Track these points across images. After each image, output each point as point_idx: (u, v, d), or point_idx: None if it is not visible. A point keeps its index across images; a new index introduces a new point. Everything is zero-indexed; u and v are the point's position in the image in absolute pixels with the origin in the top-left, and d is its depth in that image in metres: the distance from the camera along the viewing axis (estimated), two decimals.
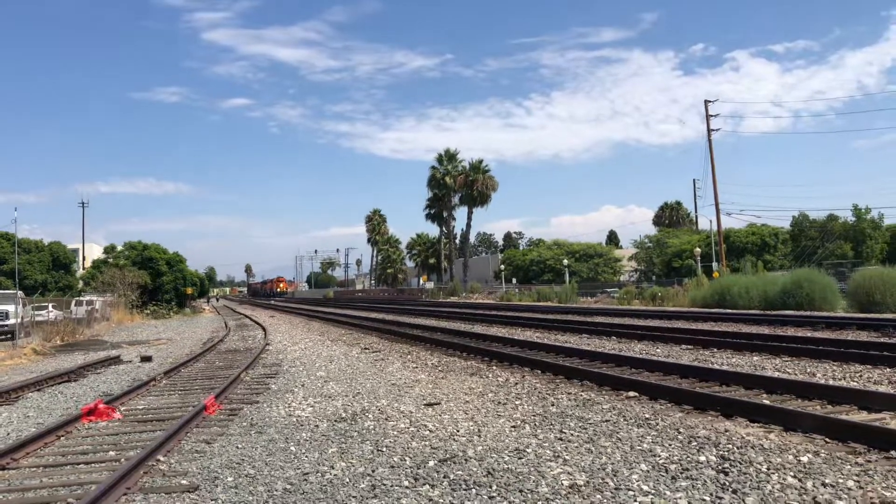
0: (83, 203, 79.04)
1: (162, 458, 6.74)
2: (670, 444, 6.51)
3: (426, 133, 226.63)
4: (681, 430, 7.05)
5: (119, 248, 59.55)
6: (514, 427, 7.69)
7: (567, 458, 6.24)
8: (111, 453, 7.19)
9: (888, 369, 10.18)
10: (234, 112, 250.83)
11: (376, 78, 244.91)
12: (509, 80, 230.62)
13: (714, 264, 46.68)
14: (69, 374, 14.56)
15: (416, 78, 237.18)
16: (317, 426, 8.26)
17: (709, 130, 47.75)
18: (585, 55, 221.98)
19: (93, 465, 6.73)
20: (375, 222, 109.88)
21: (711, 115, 48.03)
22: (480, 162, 77.42)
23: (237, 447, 7.28)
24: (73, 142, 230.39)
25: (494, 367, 12.89)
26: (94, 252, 72.08)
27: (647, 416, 7.83)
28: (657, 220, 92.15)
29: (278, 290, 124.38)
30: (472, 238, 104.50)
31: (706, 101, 48.20)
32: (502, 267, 74.18)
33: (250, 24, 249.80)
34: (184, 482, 5.95)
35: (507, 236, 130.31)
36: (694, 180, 69.26)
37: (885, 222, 63.46)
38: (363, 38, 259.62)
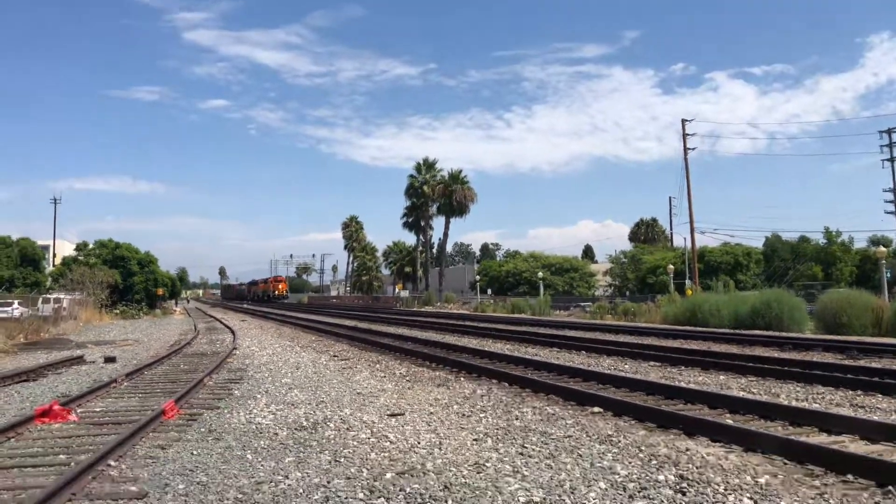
0: (55, 199, 77.84)
1: (113, 463, 6.57)
2: (630, 462, 6.47)
3: (407, 141, 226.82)
4: (642, 447, 7.02)
5: (90, 245, 58.72)
6: (476, 440, 7.61)
7: (526, 473, 6.17)
8: (62, 457, 6.99)
9: (850, 392, 10.26)
10: (213, 113, 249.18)
11: (358, 84, 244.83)
12: (491, 91, 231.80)
13: (687, 282, 47.09)
14: (28, 374, 14.24)
15: (398, 86, 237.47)
16: (276, 434, 8.12)
17: (685, 149, 48.23)
18: (567, 70, 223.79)
19: (41, 468, 6.53)
20: (353, 229, 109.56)
21: (689, 134, 48.53)
22: (459, 172, 77.56)
23: (192, 453, 7.12)
24: (48, 138, 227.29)
25: (462, 379, 12.81)
26: (66, 249, 70.97)
27: (609, 432, 7.79)
28: (633, 236, 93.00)
29: (276, 292, 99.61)
30: (449, 248, 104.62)
31: (683, 120, 48.73)
32: (478, 278, 74.23)
33: (231, 25, 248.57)
34: (132, 489, 5.79)
35: (485, 247, 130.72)
36: (670, 198, 69.75)
37: (855, 245, 64.59)
38: (346, 43, 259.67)
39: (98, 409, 10.00)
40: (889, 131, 58.16)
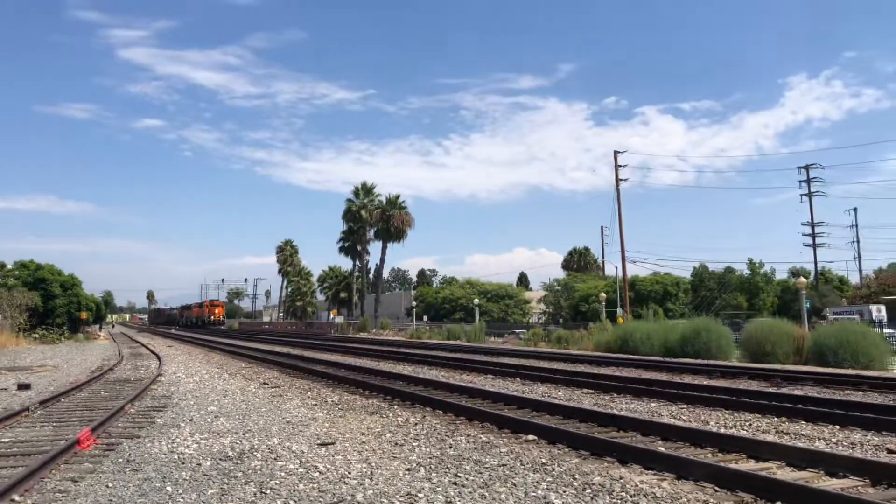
0: None
1: (17, 498, 6.13)
2: (565, 491, 6.39)
3: (345, 165, 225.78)
4: (576, 476, 6.96)
5: (9, 266, 56.12)
6: (408, 470, 7.42)
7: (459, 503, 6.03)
8: None
9: (775, 419, 10.49)
10: (146, 133, 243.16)
11: (297, 107, 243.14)
12: (431, 118, 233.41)
13: (619, 310, 47.91)
14: None
15: (338, 110, 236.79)
16: (199, 464, 7.74)
17: (617, 180, 49.38)
18: (504, 100, 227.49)
19: None
20: (287, 253, 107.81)
21: (620, 166, 49.75)
22: (397, 197, 77.48)
23: (107, 486, 6.71)
24: None
25: (396, 407, 12.58)
26: None
27: (544, 460, 7.72)
28: (566, 265, 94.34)
29: (212, 317, 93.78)
30: (386, 273, 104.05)
31: (615, 152, 49.94)
32: (415, 304, 73.91)
33: (168, 44, 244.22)
34: None
35: (422, 273, 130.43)
36: (602, 227, 71.40)
37: (777, 276, 67.11)
38: (285, 66, 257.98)
39: (6, 440, 9.38)
40: (807, 168, 61.10)
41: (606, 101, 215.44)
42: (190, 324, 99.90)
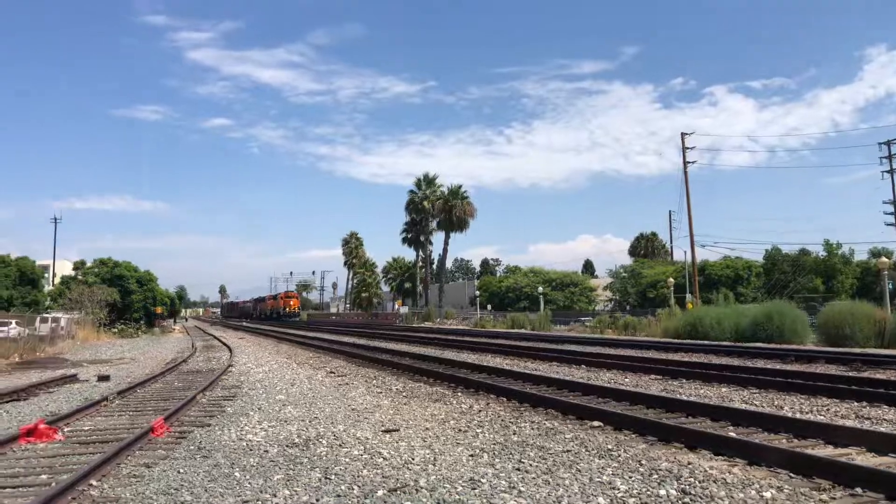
0: (55, 219, 77.84)
1: (95, 483, 6.35)
2: (631, 477, 6.25)
3: (407, 158, 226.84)
4: (643, 461, 6.80)
5: (89, 264, 58.54)
6: (472, 456, 7.39)
7: (522, 489, 5.95)
8: (43, 477, 6.77)
9: (855, 403, 10.04)
10: (215, 132, 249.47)
11: (358, 102, 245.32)
12: (491, 108, 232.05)
13: (688, 295, 46.85)
14: (19, 393, 14.00)
15: (398, 103, 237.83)
16: (266, 451, 7.89)
17: (685, 163, 48.18)
18: (566, 86, 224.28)
19: (20, 489, 6.31)
20: (352, 245, 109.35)
21: (688, 148, 48.51)
22: (459, 187, 77.54)
23: (178, 472, 6.90)
24: (49, 157, 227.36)
25: (460, 394, 12.58)
26: (66, 269, 70.76)
27: (609, 446, 7.57)
28: (633, 251, 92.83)
29: (287, 309, 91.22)
30: (449, 264, 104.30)
31: (682, 134, 48.72)
32: (478, 293, 73.95)
33: (233, 45, 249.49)
34: None
35: (485, 263, 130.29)
36: (670, 212, 69.76)
37: (856, 258, 64.38)
38: (346, 62, 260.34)
39: (86, 428, 9.76)
40: (888, 143, 58.24)
41: (673, 82, 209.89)
42: (265, 316, 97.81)
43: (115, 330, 50.64)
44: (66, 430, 9.45)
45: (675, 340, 26.71)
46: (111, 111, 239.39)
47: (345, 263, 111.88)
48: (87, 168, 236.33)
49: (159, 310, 61.75)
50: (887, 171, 58.79)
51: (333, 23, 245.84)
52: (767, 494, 5.51)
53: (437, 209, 76.80)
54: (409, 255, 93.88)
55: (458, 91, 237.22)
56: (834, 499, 5.38)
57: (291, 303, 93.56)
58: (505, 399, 11.62)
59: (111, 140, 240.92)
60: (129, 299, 56.38)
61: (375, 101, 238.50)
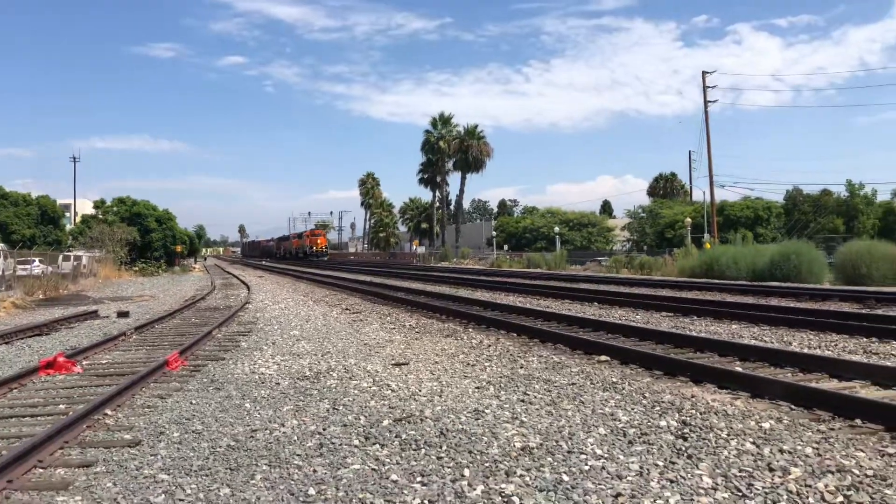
0: (74, 158, 78.29)
1: (110, 413, 6.54)
2: (633, 409, 6.33)
3: (425, 97, 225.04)
4: (646, 394, 6.87)
5: (108, 203, 59.08)
6: (478, 388, 7.51)
7: (525, 420, 6.06)
8: (61, 406, 6.99)
9: (864, 339, 10.01)
10: (230, 70, 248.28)
11: (374, 39, 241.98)
12: (509, 45, 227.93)
13: (705, 235, 46.52)
14: (41, 328, 14.35)
15: (415, 41, 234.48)
16: (278, 384, 8.06)
17: (706, 102, 47.26)
18: (586, 23, 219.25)
19: (38, 417, 6.53)
20: (369, 186, 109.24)
21: (709, 87, 47.48)
22: (475, 127, 76.70)
23: (191, 403, 7.08)
24: (69, 94, 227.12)
25: (471, 330, 12.71)
26: (87, 208, 71.49)
27: (614, 380, 7.65)
28: (652, 191, 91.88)
29: (314, 248, 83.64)
30: (466, 204, 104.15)
31: (704, 73, 47.63)
32: (495, 234, 73.88)
33: None
34: (127, 437, 5.76)
35: (502, 203, 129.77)
36: (689, 152, 68.54)
37: (879, 198, 63.34)
38: None
39: (104, 362, 10.02)
40: None
41: (696, 19, 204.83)
42: (289, 256, 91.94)
43: (136, 268, 51.43)
44: (84, 363, 9.70)
45: (691, 279, 26.64)
46: (128, 48, 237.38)
47: (362, 204, 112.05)
48: (106, 107, 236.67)
49: (179, 248, 62.49)
50: None
51: None
52: (766, 425, 5.57)
53: (452, 149, 76.19)
54: (425, 195, 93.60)
55: (476, 28, 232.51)
56: (832, 429, 5.43)
57: (319, 241, 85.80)
58: (515, 335, 11.73)
59: (128, 79, 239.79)
60: (148, 238, 57.07)
61: (391, 37, 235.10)
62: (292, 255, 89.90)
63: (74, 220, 69.06)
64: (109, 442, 5.59)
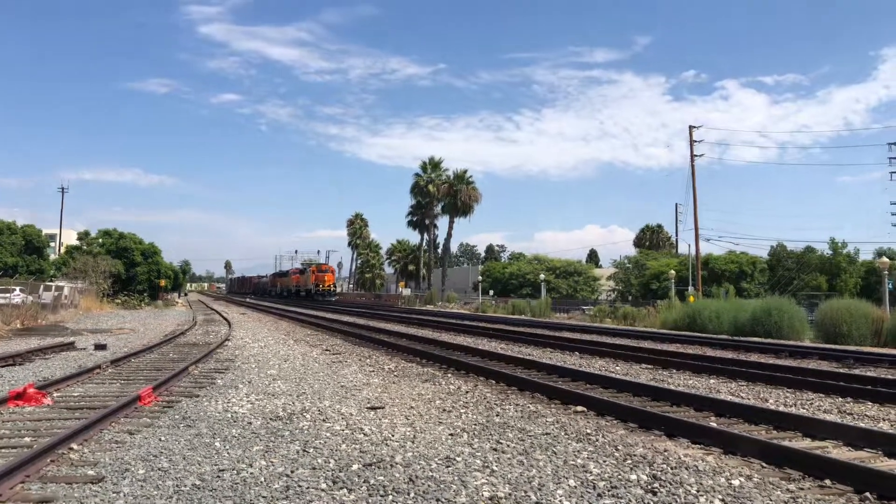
0: (62, 188, 78.18)
1: (76, 447, 6.43)
2: (605, 461, 6.30)
3: (415, 141, 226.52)
4: (619, 447, 6.85)
5: (93, 235, 58.77)
6: (451, 435, 7.45)
7: (496, 469, 6.01)
8: (26, 439, 6.87)
9: (839, 399, 10.06)
10: (224, 107, 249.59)
11: (368, 82, 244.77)
12: (501, 93, 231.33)
13: (690, 288, 46.76)
14: (15, 358, 14.16)
15: (409, 85, 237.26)
16: (250, 423, 7.97)
17: (692, 155, 47.92)
18: (577, 74, 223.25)
19: (2, 450, 6.40)
20: (357, 226, 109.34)
21: (696, 141, 48.21)
22: (465, 172, 77.30)
23: (160, 440, 6.99)
24: (61, 128, 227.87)
25: (450, 375, 12.65)
26: (72, 238, 71.09)
27: (588, 431, 7.62)
28: (638, 242, 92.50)
29: (321, 286, 71.90)
30: (454, 248, 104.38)
31: (691, 127, 48.38)
32: (481, 279, 73.98)
33: (244, 20, 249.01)
34: (90, 472, 5.66)
35: (490, 248, 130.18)
36: (676, 204, 69.30)
37: (861, 257, 64.06)
38: (357, 41, 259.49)
39: (76, 394, 9.88)
40: None
41: (685, 74, 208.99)
42: (288, 294, 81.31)
43: (119, 301, 50.95)
44: (55, 395, 9.57)
45: (673, 332, 26.70)
46: (122, 84, 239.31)
47: (349, 244, 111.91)
48: (98, 140, 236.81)
49: (163, 283, 62.03)
50: (895, 172, 58.34)
51: (345, 2, 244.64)
52: (736, 482, 5.56)
53: (441, 193, 76.64)
54: (414, 237, 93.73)
55: (469, 75, 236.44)
56: (802, 489, 5.42)
57: (326, 278, 73.45)
58: (494, 382, 11.68)
59: (122, 112, 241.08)
60: (133, 271, 56.67)
61: (385, 81, 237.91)
62: (291, 294, 79.84)
63: (59, 250, 68.57)
64: (72, 477, 5.49)
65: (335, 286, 76.50)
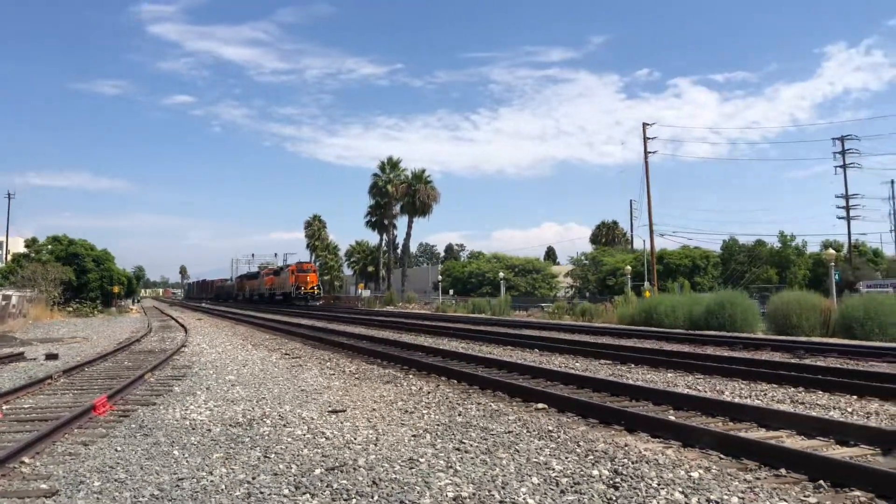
0: (9, 194, 75.91)
1: (28, 461, 6.25)
2: (567, 458, 6.36)
3: (373, 141, 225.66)
4: (581, 443, 6.92)
5: (41, 241, 57.20)
6: (414, 436, 7.44)
7: (459, 468, 6.02)
8: None
9: (792, 389, 10.32)
10: (177, 109, 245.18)
11: (325, 83, 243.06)
12: (459, 93, 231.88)
13: (645, 283, 47.50)
14: None
15: (366, 85, 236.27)
16: (209, 430, 7.85)
17: (646, 152, 48.69)
18: (534, 73, 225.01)
19: None
20: (315, 228, 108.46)
21: (650, 138, 48.99)
22: (423, 172, 77.28)
23: (116, 450, 6.83)
24: (5, 129, 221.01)
25: (411, 376, 12.63)
26: (19, 246, 69.05)
27: (550, 428, 7.68)
28: (594, 239, 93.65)
29: (302, 289, 62.43)
30: (413, 248, 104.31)
31: (644, 124, 49.17)
32: (441, 278, 74.00)
33: (197, 20, 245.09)
34: (43, 486, 5.51)
35: (449, 248, 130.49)
36: (631, 201, 70.36)
37: (808, 250, 65.84)
38: (313, 41, 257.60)
39: (26, 406, 9.60)
40: (842, 139, 59.56)
41: (639, 73, 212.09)
42: (260, 298, 72.42)
43: (70, 309, 49.65)
44: (4, 407, 9.28)
45: (631, 327, 27.10)
46: (70, 84, 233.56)
47: (307, 246, 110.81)
48: (45, 143, 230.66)
49: (116, 289, 60.55)
50: (840, 166, 60.14)
51: (301, 1, 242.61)
52: (695, 475, 5.66)
53: (400, 193, 76.50)
54: (373, 238, 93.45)
55: (426, 75, 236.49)
56: (759, 479, 5.54)
57: (309, 279, 63.35)
58: (455, 381, 11.70)
59: (70, 115, 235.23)
60: (84, 278, 55.22)
61: (342, 81, 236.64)
62: (265, 298, 70.70)
63: (6, 258, 66.58)
64: (24, 492, 5.33)
65: (319, 288, 67.99)
